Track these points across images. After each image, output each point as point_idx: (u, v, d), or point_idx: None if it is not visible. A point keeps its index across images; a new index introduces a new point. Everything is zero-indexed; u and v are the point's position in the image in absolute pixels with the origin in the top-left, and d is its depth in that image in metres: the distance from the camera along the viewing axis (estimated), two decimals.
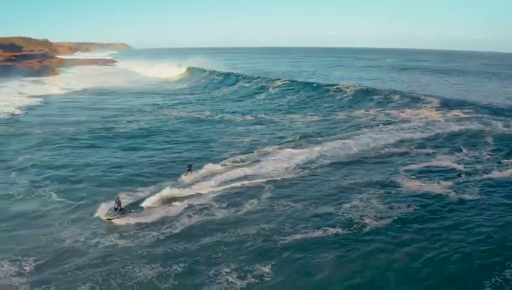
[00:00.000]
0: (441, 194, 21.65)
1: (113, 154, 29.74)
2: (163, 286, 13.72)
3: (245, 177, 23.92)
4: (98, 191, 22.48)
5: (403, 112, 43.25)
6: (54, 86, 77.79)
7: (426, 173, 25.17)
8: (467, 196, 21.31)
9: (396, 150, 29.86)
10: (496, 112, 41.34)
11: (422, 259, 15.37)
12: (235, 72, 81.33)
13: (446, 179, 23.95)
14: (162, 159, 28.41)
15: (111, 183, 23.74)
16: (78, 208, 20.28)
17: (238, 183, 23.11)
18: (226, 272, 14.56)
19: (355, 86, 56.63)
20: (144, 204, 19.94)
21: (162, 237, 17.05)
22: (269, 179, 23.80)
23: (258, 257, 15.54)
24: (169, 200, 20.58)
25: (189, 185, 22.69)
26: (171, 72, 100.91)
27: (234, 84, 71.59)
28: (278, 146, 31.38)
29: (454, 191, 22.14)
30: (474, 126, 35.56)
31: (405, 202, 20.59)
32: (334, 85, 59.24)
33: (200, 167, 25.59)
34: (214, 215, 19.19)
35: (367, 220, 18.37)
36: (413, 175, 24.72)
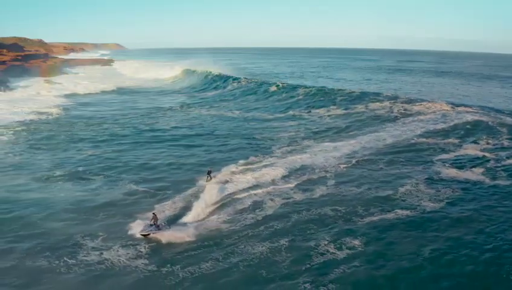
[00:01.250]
0: (478, 180, 24.07)
1: (172, 151, 31.23)
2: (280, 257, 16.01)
3: (304, 168, 25.95)
4: (172, 181, 24.53)
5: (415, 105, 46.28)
6: (71, 85, 78.96)
7: (458, 161, 27.76)
8: (500, 181, 23.86)
9: (425, 140, 32.31)
10: (499, 109, 44.09)
11: (484, 233, 17.74)
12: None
13: (477, 165, 26.56)
14: (220, 154, 30.32)
15: (180, 176, 25.52)
16: (157, 195, 22.35)
17: (299, 172, 25.14)
18: (324, 244, 16.94)
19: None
20: (182, 219, 19.19)
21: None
22: (326, 168, 25.93)
23: (345, 233, 17.74)
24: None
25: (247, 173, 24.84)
26: (173, 72, 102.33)
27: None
28: (315, 140, 33.94)
29: (488, 176, 24.69)
30: (485, 118, 38.65)
31: (449, 187, 22.98)
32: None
33: (253, 162, 27.61)
34: (292, 198, 21.29)
35: (425, 203, 20.77)
36: (447, 163, 27.22)
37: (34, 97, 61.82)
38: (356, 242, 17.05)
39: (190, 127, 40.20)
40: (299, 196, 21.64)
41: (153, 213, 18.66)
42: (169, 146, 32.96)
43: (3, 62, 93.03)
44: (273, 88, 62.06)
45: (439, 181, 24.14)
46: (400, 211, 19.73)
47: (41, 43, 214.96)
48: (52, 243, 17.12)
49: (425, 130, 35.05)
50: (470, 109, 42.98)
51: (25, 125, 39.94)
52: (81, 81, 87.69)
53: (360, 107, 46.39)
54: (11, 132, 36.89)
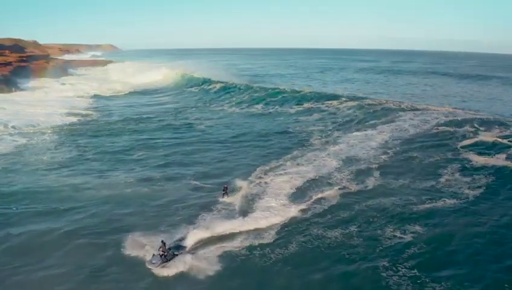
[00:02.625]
0: (505, 165, 25.35)
1: (217, 150, 32.21)
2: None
3: (349, 159, 27.35)
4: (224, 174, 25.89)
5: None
6: (86, 86, 79.16)
7: (483, 148, 28.98)
8: None
9: (445, 128, 33.77)
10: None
11: None
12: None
13: (500, 152, 27.72)
14: (266, 150, 31.78)
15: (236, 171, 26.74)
16: (210, 190, 23.46)
17: (347, 164, 26.49)
18: (389, 231, 18.31)
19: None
20: (187, 243, 17.43)
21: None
22: (369, 159, 27.32)
23: (405, 220, 19.01)
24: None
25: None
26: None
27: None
28: (342, 131, 35.89)
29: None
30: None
31: (482, 174, 24.37)
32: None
33: (297, 156, 29.04)
34: (348, 188, 22.60)
35: (466, 191, 22.08)
36: (471, 150, 28.52)
37: (59, 98, 62.08)
38: (417, 227, 18.34)
39: (226, 126, 41.59)
40: (354, 187, 22.82)
41: (162, 241, 16.43)
42: (206, 142, 34.50)
43: (9, 63, 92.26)
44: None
45: (471, 169, 25.36)
46: (447, 200, 21.01)
47: (35, 44, 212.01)
48: (147, 234, 17.81)
49: (440, 121, 36.13)
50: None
51: (68, 126, 40.73)
52: (91, 83, 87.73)
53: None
54: (56, 133, 37.52)
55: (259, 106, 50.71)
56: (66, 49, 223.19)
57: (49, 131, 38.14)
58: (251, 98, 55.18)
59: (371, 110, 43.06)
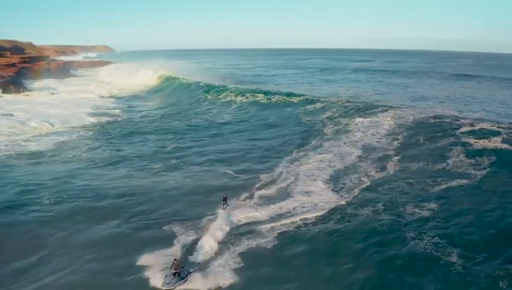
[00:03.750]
0: (502, 148, 27.90)
1: (239, 143, 34.75)
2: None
3: (366, 147, 29.85)
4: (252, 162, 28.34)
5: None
6: (93, 87, 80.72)
7: (479, 134, 31.35)
8: None
9: (441, 119, 35.95)
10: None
11: None
12: None
13: (496, 135, 30.30)
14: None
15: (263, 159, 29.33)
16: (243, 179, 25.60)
17: (366, 152, 28.95)
18: (411, 208, 20.44)
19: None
20: (199, 258, 16.46)
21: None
22: (384, 146, 29.93)
23: (423, 199, 21.32)
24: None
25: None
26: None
27: None
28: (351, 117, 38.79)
29: (509, 144, 28.60)
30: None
31: (484, 156, 26.74)
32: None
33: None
34: (371, 173, 24.97)
35: (473, 171, 24.55)
36: (471, 136, 30.80)
37: (78, 99, 63.75)
38: (433, 205, 20.61)
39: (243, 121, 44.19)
40: (378, 175, 25.02)
41: (174, 259, 15.51)
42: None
43: (14, 64, 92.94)
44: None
45: (474, 151, 27.75)
46: (459, 180, 23.38)
47: (31, 45, 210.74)
48: (193, 221, 19.59)
49: (439, 113, 38.82)
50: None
51: (99, 124, 42.88)
52: (97, 84, 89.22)
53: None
54: (89, 131, 39.40)
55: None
56: (62, 50, 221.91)
57: (81, 129, 39.92)
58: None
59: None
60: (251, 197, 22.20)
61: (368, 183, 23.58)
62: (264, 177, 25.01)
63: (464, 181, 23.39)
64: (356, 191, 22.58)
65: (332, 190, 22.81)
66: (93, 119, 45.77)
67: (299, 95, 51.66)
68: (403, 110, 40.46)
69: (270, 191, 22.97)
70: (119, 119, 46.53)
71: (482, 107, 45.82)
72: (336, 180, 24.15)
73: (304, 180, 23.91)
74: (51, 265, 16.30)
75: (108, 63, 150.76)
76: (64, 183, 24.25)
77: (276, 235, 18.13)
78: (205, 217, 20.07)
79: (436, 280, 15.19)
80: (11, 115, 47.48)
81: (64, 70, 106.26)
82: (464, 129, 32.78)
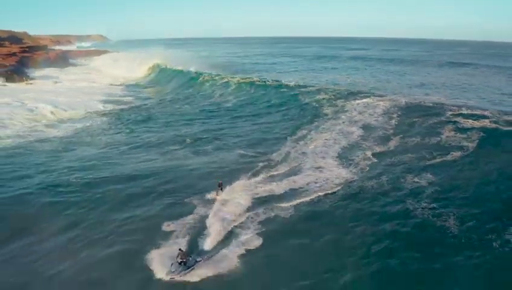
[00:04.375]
0: (490, 126, 29.83)
1: (247, 126, 36.70)
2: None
3: (366, 127, 31.92)
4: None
5: None
6: (95, 75, 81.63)
7: (468, 117, 32.81)
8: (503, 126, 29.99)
9: (433, 103, 37.98)
10: None
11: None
12: None
13: (484, 118, 31.88)
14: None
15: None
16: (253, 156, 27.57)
17: (368, 132, 30.89)
18: (410, 179, 22.39)
19: None
20: (206, 247, 16.52)
21: None
22: (383, 125, 31.97)
23: (422, 170, 23.40)
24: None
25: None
26: None
27: None
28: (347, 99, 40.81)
29: (497, 124, 30.42)
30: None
31: (473, 132, 28.70)
32: None
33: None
34: (375, 149, 27.04)
35: (465, 144, 26.76)
36: (460, 116, 32.60)
37: (83, 87, 65.18)
38: (430, 175, 22.70)
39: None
40: (380, 148, 27.34)
41: (179, 249, 15.59)
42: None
43: (14, 54, 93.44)
44: None
45: (464, 129, 29.70)
46: (453, 153, 25.49)
47: (27, 35, 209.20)
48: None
49: (426, 99, 40.39)
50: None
51: (113, 111, 44.47)
52: (98, 73, 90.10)
53: None
54: (105, 117, 40.88)
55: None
56: (57, 40, 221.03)
57: (97, 116, 41.36)
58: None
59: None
60: (265, 174, 23.81)
61: (372, 158, 25.52)
62: (275, 156, 26.82)
63: (457, 153, 25.48)
64: (362, 165, 24.53)
65: (341, 165, 24.67)
66: (106, 106, 47.02)
67: (299, 84, 53.37)
68: (398, 95, 42.23)
69: (283, 168, 24.66)
70: (132, 105, 47.91)
71: (475, 94, 47.08)
72: (343, 157, 26.01)
73: (313, 158, 25.68)
74: (88, 239, 17.61)
75: (105, 52, 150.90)
76: (89, 167, 25.65)
77: (292, 208, 19.68)
78: (217, 189, 21.50)
79: (434, 242, 16.89)
80: (22, 102, 48.46)
81: (63, 60, 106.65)
82: (455, 112, 34.37)
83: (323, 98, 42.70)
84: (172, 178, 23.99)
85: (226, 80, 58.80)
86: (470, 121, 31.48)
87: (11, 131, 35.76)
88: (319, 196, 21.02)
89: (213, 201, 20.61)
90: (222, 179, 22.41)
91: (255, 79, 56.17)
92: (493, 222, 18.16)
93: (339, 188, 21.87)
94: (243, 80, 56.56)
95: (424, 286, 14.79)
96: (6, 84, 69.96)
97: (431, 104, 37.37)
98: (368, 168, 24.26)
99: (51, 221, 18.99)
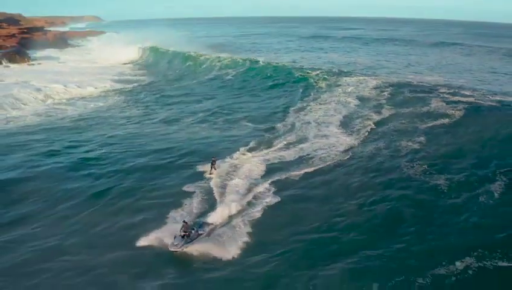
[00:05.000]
0: (473, 101, 31.67)
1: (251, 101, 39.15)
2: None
3: (362, 98, 34.33)
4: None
5: None
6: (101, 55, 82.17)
7: (456, 93, 34.66)
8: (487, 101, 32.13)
9: (422, 81, 40.10)
10: None
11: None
12: None
13: (469, 96, 33.25)
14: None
15: None
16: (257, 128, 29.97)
17: (363, 101, 33.56)
18: (404, 142, 24.71)
19: None
20: (208, 221, 16.78)
21: None
22: (376, 97, 34.31)
23: (413, 134, 25.65)
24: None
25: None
26: None
27: None
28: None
29: (482, 99, 32.56)
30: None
31: (459, 104, 30.63)
32: None
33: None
34: (373, 117, 29.42)
35: (451, 112, 28.76)
36: (446, 92, 34.48)
37: (88, 68, 66.78)
38: (422, 139, 24.92)
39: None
40: (377, 118, 29.51)
41: (184, 221, 15.72)
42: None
43: (14, 35, 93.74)
44: None
45: (451, 101, 31.61)
46: (441, 120, 27.73)
47: (21, 17, 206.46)
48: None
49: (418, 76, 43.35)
50: None
51: (125, 89, 46.83)
52: (100, 53, 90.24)
53: None
54: (120, 94, 43.13)
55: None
56: (51, 21, 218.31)
57: (110, 94, 43.36)
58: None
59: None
60: (273, 142, 25.93)
61: (371, 126, 27.88)
62: (281, 127, 29.03)
63: (445, 120, 27.84)
64: (363, 132, 26.86)
65: (344, 132, 27.01)
66: (114, 85, 48.61)
67: (295, 62, 55.69)
68: (388, 73, 44.61)
69: (290, 137, 26.78)
70: (142, 84, 49.85)
71: (467, 73, 49.45)
72: (344, 125, 28.33)
73: (317, 127, 27.92)
74: (118, 205, 19.40)
75: (102, 33, 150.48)
76: (112, 142, 27.53)
77: (302, 174, 21.47)
78: (231, 157, 23.91)
79: (426, 198, 18.98)
80: (29, 83, 49.20)
81: (62, 41, 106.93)
82: (444, 89, 36.15)
83: (319, 74, 44.34)
84: (190, 150, 25.99)
85: (226, 60, 60.01)
86: (457, 97, 33.34)
87: (29, 110, 37.39)
88: (326, 161, 23.08)
89: (208, 179, 21.07)
90: (233, 149, 24.72)
91: (253, 58, 57.52)
92: (480, 178, 20.30)
93: (343, 153, 24.01)
94: (241, 59, 57.89)
95: (417, 235, 16.49)
96: (10, 65, 70.79)
97: (422, 81, 39.51)
98: (367, 134, 26.55)
99: (85, 190, 20.55)
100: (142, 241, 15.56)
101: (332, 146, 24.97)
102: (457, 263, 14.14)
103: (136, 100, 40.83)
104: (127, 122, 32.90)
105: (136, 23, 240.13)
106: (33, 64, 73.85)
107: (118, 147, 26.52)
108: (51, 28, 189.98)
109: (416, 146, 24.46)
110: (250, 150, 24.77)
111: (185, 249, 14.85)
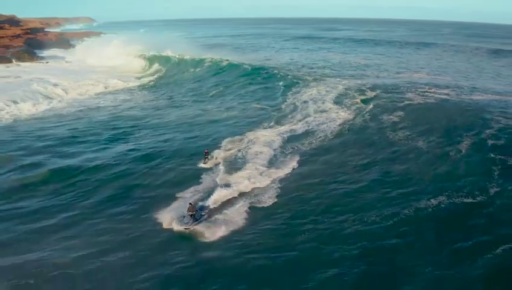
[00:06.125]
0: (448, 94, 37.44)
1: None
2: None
3: (346, 83, 40.01)
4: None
5: None
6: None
7: (442, 76, 41.57)
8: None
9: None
10: None
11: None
12: None
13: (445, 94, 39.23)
14: None
15: None
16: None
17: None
18: (380, 113, 30.31)
19: None
20: (210, 203, 18.49)
21: None
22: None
23: (393, 109, 30.99)
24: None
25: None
26: None
27: None
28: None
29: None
30: None
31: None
32: None
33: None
34: (368, 91, 34.56)
35: (426, 100, 34.34)
36: (426, 89, 38.62)
37: (98, 66, 70.61)
38: (401, 113, 30.13)
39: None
40: (363, 97, 34.88)
41: (190, 203, 17.22)
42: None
43: (19, 35, 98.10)
44: None
45: (426, 92, 36.54)
46: (417, 100, 33.14)
47: (15, 18, 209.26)
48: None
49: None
50: None
51: (148, 82, 53.02)
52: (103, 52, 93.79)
53: None
54: (144, 90, 48.30)
55: None
56: (46, 22, 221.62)
57: (131, 89, 48.74)
58: None
59: None
60: (283, 119, 31.18)
61: (359, 102, 33.52)
62: (284, 106, 34.41)
63: (420, 100, 33.59)
64: (354, 108, 32.21)
65: (339, 108, 32.24)
66: (127, 82, 53.46)
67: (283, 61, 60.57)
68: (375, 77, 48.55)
69: (295, 114, 32.09)
70: (159, 82, 53.95)
71: (440, 71, 51.34)
72: (338, 102, 33.74)
73: (314, 104, 33.40)
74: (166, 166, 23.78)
75: (100, 33, 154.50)
76: (148, 126, 32.20)
77: (311, 143, 25.95)
78: (245, 135, 28.12)
79: (408, 155, 23.89)
80: (44, 79, 52.81)
81: (64, 41, 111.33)
82: (419, 82, 41.36)
83: (310, 72, 49.44)
84: (205, 127, 31.59)
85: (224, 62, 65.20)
86: (432, 90, 37.93)
87: (61, 103, 42.06)
88: (329, 131, 28.16)
89: (204, 169, 22.85)
90: (248, 127, 29.79)
91: (248, 58, 61.86)
92: (444, 139, 25.69)
93: (341, 124, 29.31)
94: (236, 61, 60.85)
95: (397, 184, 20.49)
96: (20, 63, 75.15)
97: (400, 80, 43.81)
98: (357, 110, 31.96)
99: (137, 164, 24.15)
100: (157, 218, 17.59)
101: (332, 119, 30.74)
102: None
103: (159, 93, 46.48)
104: (157, 109, 38.45)
105: (129, 24, 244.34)
106: (42, 62, 77.56)
107: (154, 130, 31.32)
108: (47, 30, 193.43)
109: (395, 119, 29.81)
110: (263, 127, 30.13)
111: (194, 227, 16.36)
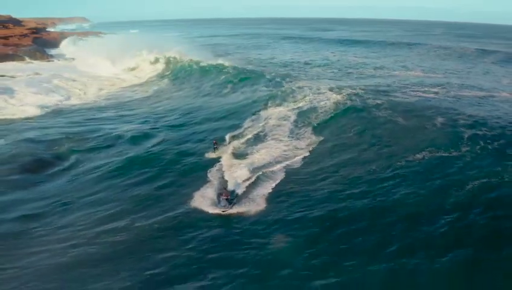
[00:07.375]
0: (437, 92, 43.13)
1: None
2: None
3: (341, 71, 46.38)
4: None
5: None
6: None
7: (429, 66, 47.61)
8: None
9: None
10: None
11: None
12: None
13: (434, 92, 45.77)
14: None
15: None
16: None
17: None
18: (374, 92, 36.19)
19: None
20: (239, 190, 19.76)
21: None
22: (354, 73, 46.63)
23: (385, 88, 37.79)
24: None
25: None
26: None
27: None
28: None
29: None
30: None
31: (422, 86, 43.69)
32: None
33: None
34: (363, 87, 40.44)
35: (425, 88, 41.13)
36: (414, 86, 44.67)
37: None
38: (385, 98, 35.25)
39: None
40: (358, 79, 41.41)
41: (225, 188, 19.16)
42: None
43: (26, 35, 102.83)
44: None
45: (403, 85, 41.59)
46: (429, 87, 39.33)
47: (12, 18, 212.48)
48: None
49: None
50: None
51: (167, 77, 57.53)
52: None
53: None
54: (163, 84, 54.08)
55: None
56: (42, 22, 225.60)
57: (155, 82, 54.48)
58: None
59: None
60: (286, 99, 36.77)
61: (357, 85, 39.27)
62: (286, 88, 39.80)
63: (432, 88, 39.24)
64: (348, 92, 36.18)
65: (334, 92, 36.57)
66: (142, 78, 59.16)
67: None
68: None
69: (295, 97, 36.89)
70: (177, 76, 57.80)
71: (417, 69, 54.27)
72: (333, 88, 38.02)
73: (313, 89, 38.16)
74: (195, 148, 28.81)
75: (100, 33, 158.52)
76: (181, 113, 36.86)
77: (318, 120, 30.21)
78: (251, 117, 32.95)
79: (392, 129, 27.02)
80: (63, 75, 57.41)
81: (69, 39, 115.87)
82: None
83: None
84: (219, 111, 37.04)
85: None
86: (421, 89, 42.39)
87: (90, 96, 47.10)
88: (329, 108, 32.36)
89: (214, 159, 24.16)
90: (263, 105, 35.97)
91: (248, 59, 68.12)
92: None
93: (340, 104, 32.71)
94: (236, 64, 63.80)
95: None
96: (33, 61, 79.51)
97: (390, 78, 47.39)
98: (349, 94, 35.96)
99: (175, 146, 27.83)
100: (190, 202, 19.24)
101: (329, 99, 35.06)
102: None
103: (180, 84, 52.11)
104: (185, 98, 43.77)
105: (123, 24, 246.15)
106: (53, 61, 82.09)
107: (186, 117, 35.80)
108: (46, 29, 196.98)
109: (383, 101, 33.96)
110: (273, 105, 36.16)
111: (229, 211, 17.74)
